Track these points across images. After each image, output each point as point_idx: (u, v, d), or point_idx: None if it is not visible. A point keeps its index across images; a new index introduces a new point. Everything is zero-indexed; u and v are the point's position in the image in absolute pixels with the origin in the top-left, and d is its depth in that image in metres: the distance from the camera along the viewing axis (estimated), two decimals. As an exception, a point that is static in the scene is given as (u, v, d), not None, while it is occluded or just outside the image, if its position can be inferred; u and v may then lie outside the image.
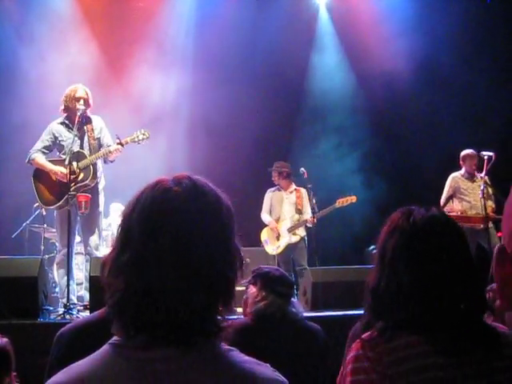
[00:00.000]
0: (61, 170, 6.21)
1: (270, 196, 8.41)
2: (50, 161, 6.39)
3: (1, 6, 9.79)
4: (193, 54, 10.02)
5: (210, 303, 1.24)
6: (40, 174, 6.39)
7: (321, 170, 9.33)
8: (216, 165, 8.60)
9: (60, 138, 6.35)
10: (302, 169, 8.19)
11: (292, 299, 3.48)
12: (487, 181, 7.72)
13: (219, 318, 1.26)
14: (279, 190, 8.39)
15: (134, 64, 9.70)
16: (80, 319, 3.37)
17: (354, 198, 8.08)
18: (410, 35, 9.72)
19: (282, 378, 1.27)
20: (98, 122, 6.50)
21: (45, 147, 6.43)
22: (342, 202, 8.05)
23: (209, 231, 1.25)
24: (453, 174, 8.16)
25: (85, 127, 6.41)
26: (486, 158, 7.56)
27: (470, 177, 8.04)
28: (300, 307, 3.63)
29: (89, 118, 6.47)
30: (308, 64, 10.58)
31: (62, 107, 6.39)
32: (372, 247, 8.75)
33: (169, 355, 1.20)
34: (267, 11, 10.16)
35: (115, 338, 1.26)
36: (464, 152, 8.10)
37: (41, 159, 6.36)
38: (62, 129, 6.37)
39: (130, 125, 7.05)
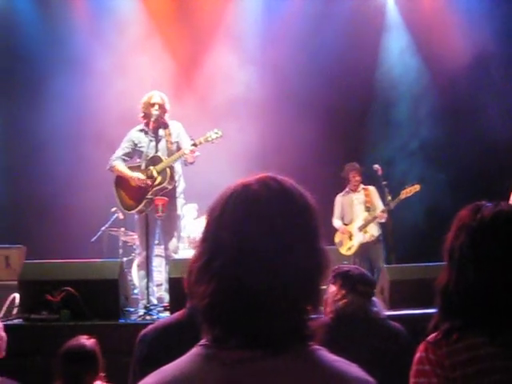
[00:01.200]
0: (138, 176, 6.39)
1: (340, 201, 8.37)
2: (128, 167, 6.58)
3: (73, 12, 10.11)
4: (261, 50, 9.97)
5: (301, 304, 1.23)
6: (120, 181, 6.60)
7: (394, 161, 9.20)
8: (287, 163, 8.56)
9: (139, 145, 6.52)
10: (376, 165, 8.09)
11: (373, 298, 3.43)
12: None
13: (308, 318, 1.25)
14: (348, 193, 8.33)
15: (206, 65, 9.79)
16: (161, 320, 3.43)
17: (417, 187, 7.94)
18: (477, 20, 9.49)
19: (370, 378, 1.26)
20: (175, 127, 6.63)
21: (125, 154, 6.64)
22: (407, 192, 7.91)
23: (298, 233, 1.24)
24: None
25: (163, 132, 6.56)
26: None
27: None
28: (381, 306, 3.57)
29: (166, 123, 6.60)
30: (377, 56, 10.40)
31: (141, 114, 6.57)
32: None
33: (259, 356, 1.19)
34: (334, 4, 10.08)
35: (204, 340, 1.26)
36: None
37: (120, 166, 6.57)
38: (141, 135, 6.54)
39: (203, 126, 7.10)
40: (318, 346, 1.26)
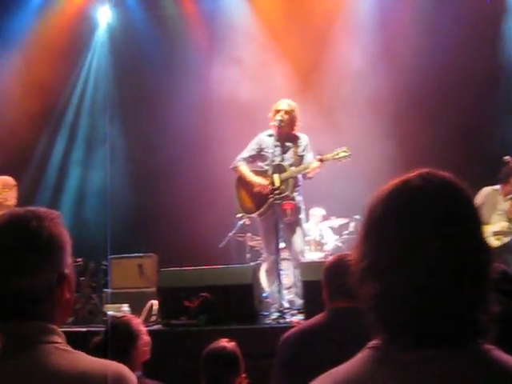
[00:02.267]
0: (260, 181, 6.48)
1: (484, 195, 7.55)
2: (252, 171, 6.68)
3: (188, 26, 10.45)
4: (379, 49, 9.79)
5: (475, 300, 1.20)
6: (242, 182, 6.71)
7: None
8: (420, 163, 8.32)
9: (266, 149, 6.59)
10: (508, 157, 7.51)
11: None
12: None
13: (480, 315, 1.21)
14: (496, 193, 7.61)
15: (326, 67, 9.76)
16: (303, 323, 3.46)
17: None
18: None
19: None
20: (303, 140, 6.65)
21: (250, 156, 6.76)
22: None
23: (464, 227, 1.21)
24: None
25: (291, 143, 6.61)
26: None
27: None
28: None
29: (295, 135, 6.65)
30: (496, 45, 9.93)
31: (271, 120, 6.65)
32: None
33: (435, 356, 1.16)
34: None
35: (375, 341, 1.24)
36: None
37: (244, 168, 6.69)
38: (269, 140, 6.59)
39: (324, 133, 7.10)
40: (490, 346, 1.22)
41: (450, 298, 1.17)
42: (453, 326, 1.17)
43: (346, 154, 6.26)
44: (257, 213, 6.55)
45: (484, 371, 1.16)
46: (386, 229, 1.22)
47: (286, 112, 6.53)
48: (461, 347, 1.17)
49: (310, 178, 6.49)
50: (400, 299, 1.18)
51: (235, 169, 6.77)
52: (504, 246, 7.54)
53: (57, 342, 1.47)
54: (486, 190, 7.68)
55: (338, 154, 6.27)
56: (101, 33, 10.94)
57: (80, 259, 7.31)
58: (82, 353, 1.50)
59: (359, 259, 1.25)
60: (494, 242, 7.53)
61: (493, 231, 7.52)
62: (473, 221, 1.23)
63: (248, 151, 6.77)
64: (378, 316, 1.22)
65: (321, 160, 6.29)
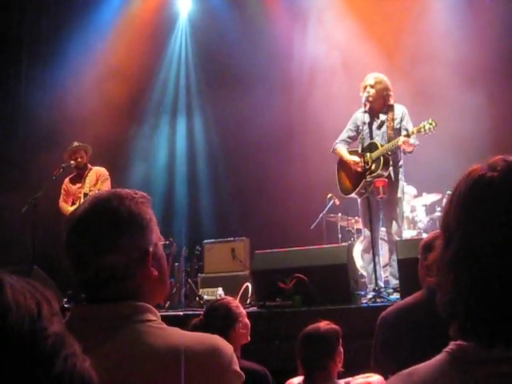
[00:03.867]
0: (354, 159, 6.45)
1: None
2: (349, 151, 6.65)
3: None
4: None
5: None
6: (341, 164, 6.73)
7: None
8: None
9: (361, 127, 6.47)
10: None
11: None
12: None
13: None
14: None
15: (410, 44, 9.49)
16: (400, 302, 3.39)
17: None
18: None
19: None
20: (398, 112, 6.52)
21: (348, 137, 6.75)
22: None
23: None
24: None
25: (385, 116, 6.51)
26: None
27: None
28: None
29: (391, 106, 6.54)
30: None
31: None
32: None
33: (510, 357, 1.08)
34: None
35: (453, 343, 1.16)
36: None
37: (341, 149, 6.70)
38: (363, 117, 6.47)
39: (416, 112, 6.89)
40: None
41: None
42: None
43: (432, 125, 6.07)
44: (354, 192, 6.53)
45: None
46: (451, 219, 1.20)
47: (372, 86, 6.44)
48: None
49: (410, 153, 6.36)
50: (465, 295, 1.13)
51: (334, 152, 6.80)
52: None
53: (150, 320, 1.47)
54: None
55: (424, 127, 6.10)
56: (182, 22, 11.11)
57: (171, 239, 7.48)
58: (177, 328, 1.50)
59: (438, 249, 1.22)
60: None
61: None
62: None
63: (346, 132, 6.77)
64: (451, 310, 1.16)
65: (407, 135, 6.17)
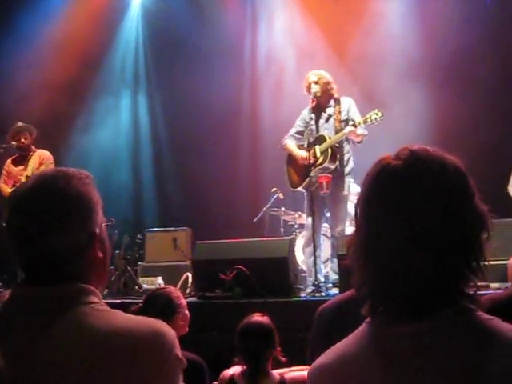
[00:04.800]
0: (302, 153, 6.52)
1: None
2: (297, 146, 6.72)
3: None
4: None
5: (450, 275, 1.20)
6: (290, 159, 6.78)
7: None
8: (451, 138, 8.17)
9: (310, 123, 6.58)
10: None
11: None
12: None
13: (468, 286, 1.22)
14: None
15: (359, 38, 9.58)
16: (338, 296, 3.42)
17: None
18: None
19: None
20: (345, 104, 6.61)
21: (297, 132, 6.81)
22: None
23: (432, 197, 1.21)
24: None
25: (332, 110, 6.59)
26: None
27: None
28: None
29: (337, 100, 6.62)
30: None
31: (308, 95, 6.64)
32: None
33: (417, 330, 1.18)
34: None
35: (368, 317, 1.28)
36: None
37: (290, 144, 6.76)
38: (310, 114, 6.58)
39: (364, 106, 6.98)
40: (489, 316, 1.21)
41: (419, 275, 1.19)
42: (428, 301, 1.19)
43: (378, 115, 6.18)
44: (301, 186, 6.60)
45: (479, 343, 1.16)
46: (363, 207, 1.28)
47: (316, 82, 6.52)
48: (450, 318, 1.18)
49: (359, 143, 6.47)
50: (390, 275, 1.22)
51: (283, 147, 6.85)
52: None
53: (94, 302, 1.46)
54: None
55: (370, 117, 6.21)
56: (135, 6, 10.94)
57: (113, 219, 7.35)
58: (120, 311, 1.49)
59: (351, 237, 1.33)
60: None
61: None
62: (440, 191, 1.22)
63: (294, 128, 6.85)
64: (371, 291, 1.26)
65: (354, 125, 6.28)
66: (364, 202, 1.27)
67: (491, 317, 1.20)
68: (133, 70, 10.92)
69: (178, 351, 1.44)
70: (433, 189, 1.21)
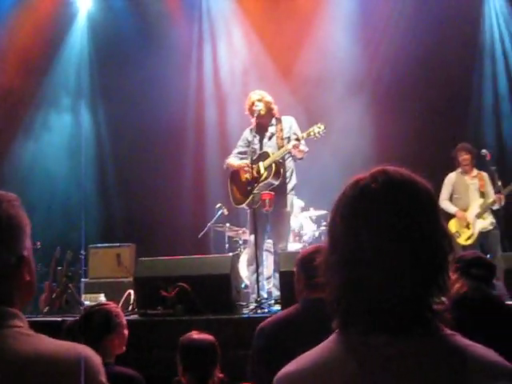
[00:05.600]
0: (245, 163, 6.54)
1: (451, 181, 7.98)
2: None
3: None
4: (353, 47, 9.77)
5: (421, 291, 1.25)
6: (233, 176, 6.79)
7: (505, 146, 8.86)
8: (395, 152, 8.37)
9: (252, 143, 6.59)
10: (484, 150, 7.76)
11: (495, 282, 3.30)
12: None
13: (435, 302, 1.26)
14: (462, 175, 7.96)
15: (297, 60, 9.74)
16: (278, 314, 3.45)
17: None
18: None
19: (508, 364, 1.22)
20: (287, 122, 6.68)
21: (239, 152, 6.84)
22: None
23: (405, 221, 1.26)
24: None
25: (274, 128, 6.65)
26: None
27: None
28: (504, 290, 3.44)
29: (279, 119, 6.69)
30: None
31: (249, 115, 6.69)
32: None
33: (387, 342, 1.22)
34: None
35: (337, 328, 1.31)
36: None
37: (233, 161, 6.77)
38: (252, 134, 6.60)
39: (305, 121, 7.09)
40: (452, 332, 1.26)
41: (391, 292, 1.23)
42: (407, 312, 1.24)
43: (321, 129, 6.27)
44: (244, 204, 6.58)
45: (443, 356, 1.21)
46: (336, 226, 1.32)
47: (260, 100, 6.60)
48: (412, 334, 1.23)
49: (300, 159, 6.53)
50: (352, 291, 1.27)
51: (227, 166, 6.85)
52: (487, 232, 7.72)
53: (18, 326, 1.44)
54: (452, 175, 8.04)
55: (313, 131, 6.30)
56: (81, 19, 10.84)
57: (39, 243, 7.26)
58: (45, 336, 1.47)
59: (323, 253, 1.35)
60: (482, 224, 7.71)
61: (475, 215, 7.65)
62: (414, 216, 1.27)
63: (237, 148, 6.89)
64: (337, 306, 1.30)
65: (297, 139, 6.33)
66: (342, 221, 1.30)
67: (454, 333, 1.26)
68: (77, 81, 10.76)
69: (103, 377, 1.44)
70: (408, 211, 1.26)
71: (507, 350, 1.27)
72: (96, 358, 1.45)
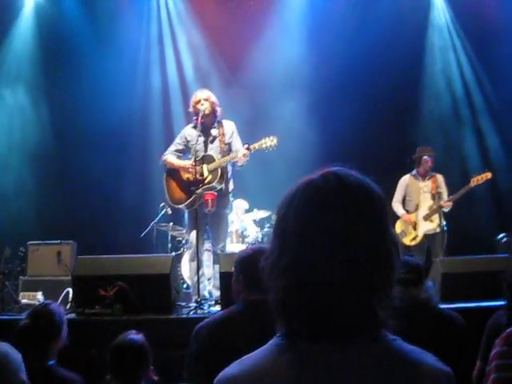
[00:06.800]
0: (190, 162, 6.50)
1: (405, 184, 8.16)
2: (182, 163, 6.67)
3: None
4: (307, 52, 9.86)
5: (369, 296, 1.24)
6: (172, 174, 6.73)
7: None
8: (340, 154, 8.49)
9: (192, 142, 6.56)
10: (425, 157, 7.96)
11: (426, 284, 3.36)
12: None
13: (381, 308, 1.26)
14: (416, 178, 8.13)
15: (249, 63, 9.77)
16: (216, 315, 3.43)
17: (488, 175, 7.70)
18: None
19: (446, 367, 1.26)
20: (229, 127, 6.67)
21: (177, 150, 6.78)
22: (477, 180, 7.66)
23: (359, 225, 1.25)
24: None
25: (216, 132, 6.62)
26: None
27: None
28: (434, 292, 3.49)
29: (221, 122, 6.67)
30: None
31: (192, 113, 6.68)
32: (502, 235, 8.32)
33: (330, 348, 1.22)
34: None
35: (279, 333, 1.29)
36: None
37: (171, 158, 6.70)
38: (193, 132, 6.59)
39: (255, 129, 7.15)
40: (393, 336, 1.27)
41: (340, 297, 1.22)
42: (352, 318, 1.22)
43: (272, 144, 6.31)
44: (185, 203, 6.54)
45: (383, 361, 1.22)
46: (288, 227, 1.28)
47: (206, 99, 6.57)
48: (357, 339, 1.22)
49: (240, 167, 6.52)
50: (295, 296, 1.24)
51: (164, 162, 6.78)
52: (432, 235, 7.91)
53: None
54: (406, 177, 8.23)
55: (265, 143, 6.32)
56: (27, 10, 10.59)
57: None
58: None
59: (268, 255, 1.31)
60: (428, 227, 7.89)
61: (423, 216, 7.83)
62: (367, 218, 1.26)
63: (174, 145, 6.81)
64: (278, 310, 1.27)
65: (248, 148, 6.33)
66: (296, 221, 1.27)
67: (396, 337, 1.27)
68: (18, 73, 10.45)
69: (23, 374, 1.43)
70: (359, 214, 1.25)
71: (436, 353, 1.30)
72: (17, 356, 1.43)
